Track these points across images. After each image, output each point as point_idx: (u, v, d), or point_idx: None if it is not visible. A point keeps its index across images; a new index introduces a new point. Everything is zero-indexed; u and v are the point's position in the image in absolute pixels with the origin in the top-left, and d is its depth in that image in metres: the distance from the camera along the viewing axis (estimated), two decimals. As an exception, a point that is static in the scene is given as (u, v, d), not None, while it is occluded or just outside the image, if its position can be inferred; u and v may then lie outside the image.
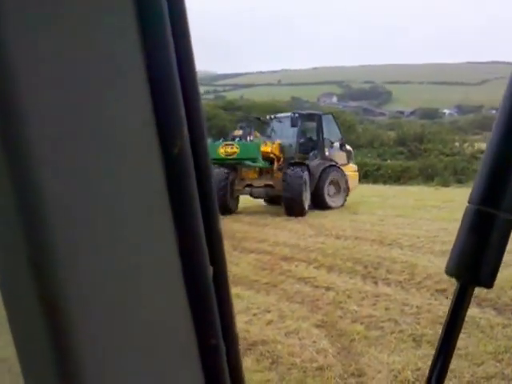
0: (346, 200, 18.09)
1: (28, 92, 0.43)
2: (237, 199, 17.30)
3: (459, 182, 27.10)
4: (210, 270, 0.53)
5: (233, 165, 16.36)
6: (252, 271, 9.50)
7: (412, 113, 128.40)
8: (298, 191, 15.68)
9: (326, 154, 18.22)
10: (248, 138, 16.73)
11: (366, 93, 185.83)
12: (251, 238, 12.71)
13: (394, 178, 29.96)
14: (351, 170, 18.85)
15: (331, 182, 17.54)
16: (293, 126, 17.34)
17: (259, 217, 16.31)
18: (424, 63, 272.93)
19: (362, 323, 6.85)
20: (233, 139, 16.44)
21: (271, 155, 17.12)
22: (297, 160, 17.03)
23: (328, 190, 17.40)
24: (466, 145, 36.24)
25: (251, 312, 7.28)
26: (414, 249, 11.09)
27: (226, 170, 16.46)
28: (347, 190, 18.09)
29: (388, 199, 20.59)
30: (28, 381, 0.52)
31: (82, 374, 0.46)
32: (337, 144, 18.83)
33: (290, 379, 5.34)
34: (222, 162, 15.78)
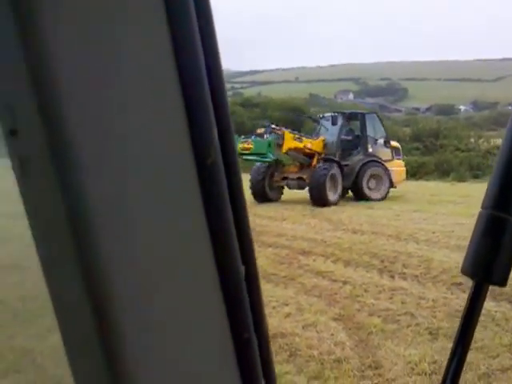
0: (388, 193, 19.32)
1: (73, 99, 0.46)
2: (279, 190, 19.23)
3: (475, 177, 26.96)
4: (242, 269, 0.56)
5: (275, 159, 18.34)
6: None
7: (428, 109, 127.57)
8: (320, 184, 17.27)
9: (370, 150, 19.64)
10: (265, 136, 17.98)
11: (383, 89, 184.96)
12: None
13: (410, 174, 29.83)
14: (397, 166, 19.96)
15: (372, 176, 18.91)
16: (333, 124, 19.25)
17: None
18: (440, 60, 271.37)
19: (379, 316, 6.91)
20: (258, 135, 18.21)
21: (307, 150, 18.83)
22: (337, 156, 18.82)
23: (368, 184, 18.87)
24: (481, 141, 35.97)
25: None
26: (429, 243, 11.10)
27: (267, 165, 18.65)
28: (390, 184, 19.29)
29: (407, 193, 20.57)
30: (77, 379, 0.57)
31: (129, 372, 0.50)
32: (381, 141, 20.00)
33: (308, 371, 5.41)
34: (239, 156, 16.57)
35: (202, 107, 0.52)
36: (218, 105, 0.53)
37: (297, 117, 29.88)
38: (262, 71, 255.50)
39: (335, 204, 17.67)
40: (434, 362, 5.49)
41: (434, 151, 33.96)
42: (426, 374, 5.28)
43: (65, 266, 0.50)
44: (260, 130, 18.62)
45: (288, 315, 7.03)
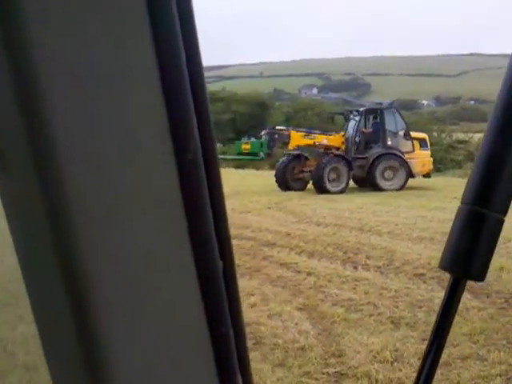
0: (406, 183, 20.32)
1: (52, 94, 0.46)
2: (303, 181, 20.87)
3: (438, 170, 27.33)
4: (220, 264, 0.56)
5: (297, 154, 20.84)
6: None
7: (391, 104, 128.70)
8: (319, 176, 19.34)
9: (389, 143, 20.80)
10: (263, 138, 20.91)
11: (346, 84, 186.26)
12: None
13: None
14: (419, 157, 20.84)
15: (388, 168, 20.21)
16: (346, 120, 21.90)
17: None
18: (403, 55, 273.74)
19: (342, 306, 7.03)
20: (260, 137, 21.19)
21: (320, 146, 20.79)
22: (353, 151, 20.78)
23: (383, 175, 20.18)
24: (443, 135, 36.49)
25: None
26: (392, 236, 11.27)
27: (289, 159, 21.00)
28: (408, 174, 20.32)
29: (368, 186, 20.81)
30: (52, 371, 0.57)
31: (105, 360, 0.51)
32: (401, 133, 21.05)
33: (273, 359, 5.49)
34: (242, 155, 21.71)
35: (182, 102, 0.52)
36: (198, 101, 0.53)
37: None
38: (227, 66, 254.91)
39: (341, 193, 19.29)
40: (396, 351, 5.61)
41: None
42: (387, 361, 5.39)
43: (42, 257, 0.51)
44: (264, 132, 21.41)
45: (254, 305, 7.11)
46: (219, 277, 0.56)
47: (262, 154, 20.88)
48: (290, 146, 20.69)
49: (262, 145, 20.57)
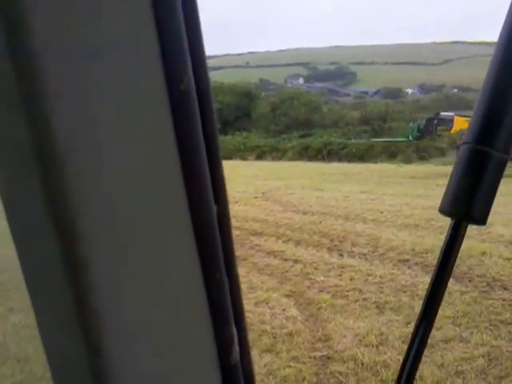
0: None
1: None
2: None
3: (422, 158, 27.46)
4: (214, 208, 0.54)
5: None
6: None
7: (376, 93, 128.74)
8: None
9: None
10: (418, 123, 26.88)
11: (332, 74, 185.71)
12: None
13: (358, 156, 30.28)
14: None
15: None
16: None
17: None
18: (389, 44, 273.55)
19: (328, 292, 7.15)
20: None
21: None
22: None
23: None
24: (428, 123, 36.74)
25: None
26: (377, 223, 11.39)
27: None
28: None
29: (353, 175, 20.92)
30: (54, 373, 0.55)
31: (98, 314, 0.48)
32: None
33: (261, 344, 5.60)
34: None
35: (175, 34, 0.49)
36: (191, 35, 0.50)
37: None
38: (214, 57, 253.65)
39: None
40: (381, 334, 5.74)
41: (382, 134, 34.49)
42: (373, 345, 5.52)
43: (42, 250, 0.49)
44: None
45: (242, 293, 7.17)
46: (213, 221, 0.54)
47: (410, 137, 25.89)
48: (453, 130, 22.65)
49: (412, 130, 24.48)
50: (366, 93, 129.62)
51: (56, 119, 0.43)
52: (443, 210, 0.70)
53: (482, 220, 0.69)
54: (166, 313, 0.53)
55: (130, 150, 0.48)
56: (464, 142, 0.68)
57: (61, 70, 0.43)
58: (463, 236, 0.70)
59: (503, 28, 0.66)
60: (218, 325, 0.57)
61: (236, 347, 0.58)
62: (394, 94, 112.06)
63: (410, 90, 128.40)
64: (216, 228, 0.54)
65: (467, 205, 0.68)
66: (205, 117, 0.52)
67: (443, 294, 0.72)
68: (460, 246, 0.70)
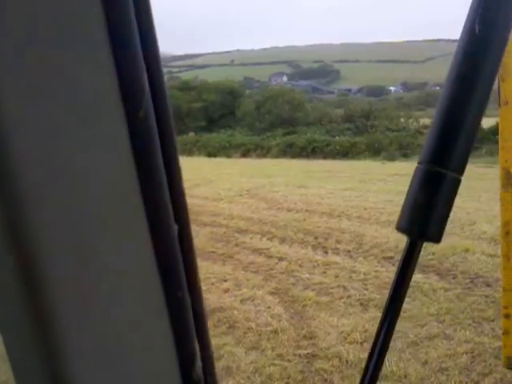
0: None
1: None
2: None
3: (405, 156, 27.54)
4: (175, 227, 0.54)
5: None
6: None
7: (359, 90, 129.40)
8: None
9: None
10: None
11: (316, 72, 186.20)
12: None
13: (342, 154, 30.33)
14: None
15: None
16: None
17: None
18: (372, 42, 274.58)
19: (313, 290, 7.17)
20: None
21: None
22: None
23: None
24: (410, 120, 36.73)
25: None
26: (361, 220, 11.41)
27: None
28: None
29: (337, 173, 20.94)
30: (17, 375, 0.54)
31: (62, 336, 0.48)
32: None
33: (246, 342, 5.61)
34: None
35: (132, 60, 0.49)
36: (149, 60, 0.51)
37: None
38: (199, 55, 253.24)
39: None
40: (365, 331, 5.77)
41: (365, 131, 34.49)
42: (357, 342, 5.56)
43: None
44: None
45: (226, 290, 7.22)
46: (174, 240, 0.54)
47: None
48: None
49: None
50: (350, 90, 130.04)
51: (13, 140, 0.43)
52: (400, 228, 0.70)
53: (437, 238, 0.69)
54: (126, 330, 0.53)
55: (89, 170, 0.48)
56: (419, 162, 0.69)
57: (20, 96, 0.43)
58: (419, 254, 0.71)
59: (458, 45, 0.67)
60: (180, 341, 0.57)
61: (199, 363, 0.59)
62: (377, 91, 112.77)
63: (392, 88, 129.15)
64: (177, 247, 0.55)
65: (422, 224, 0.68)
66: (164, 136, 0.52)
67: (400, 310, 0.73)
68: (415, 263, 0.71)
